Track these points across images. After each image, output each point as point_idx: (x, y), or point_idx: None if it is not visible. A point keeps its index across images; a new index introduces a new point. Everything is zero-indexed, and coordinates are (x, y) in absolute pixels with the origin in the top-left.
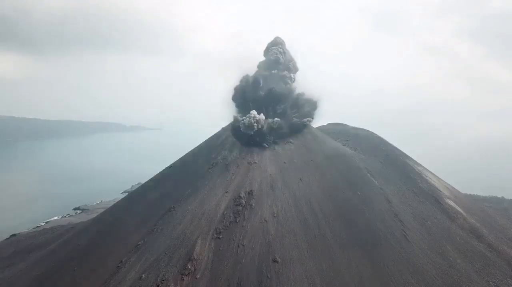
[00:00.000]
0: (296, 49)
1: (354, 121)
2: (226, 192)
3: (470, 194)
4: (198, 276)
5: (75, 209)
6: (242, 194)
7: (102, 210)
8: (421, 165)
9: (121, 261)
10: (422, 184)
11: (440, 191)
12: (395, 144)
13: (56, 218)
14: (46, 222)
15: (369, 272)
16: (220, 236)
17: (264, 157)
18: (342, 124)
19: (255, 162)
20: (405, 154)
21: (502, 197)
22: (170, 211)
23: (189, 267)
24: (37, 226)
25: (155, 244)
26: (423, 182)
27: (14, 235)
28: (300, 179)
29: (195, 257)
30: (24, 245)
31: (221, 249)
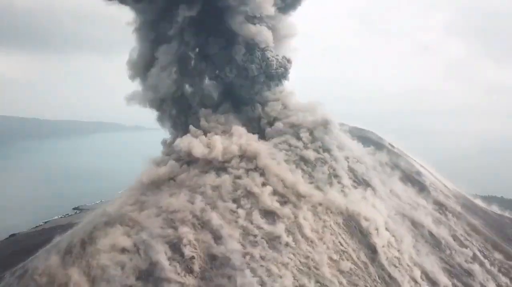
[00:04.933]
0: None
1: (353, 122)
2: None
3: (469, 194)
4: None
5: (74, 209)
6: None
7: None
8: (419, 163)
9: None
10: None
11: (440, 189)
12: (394, 144)
13: (55, 218)
14: (46, 222)
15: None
16: None
17: None
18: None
19: None
20: (405, 153)
21: (502, 197)
22: None
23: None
24: (37, 226)
25: None
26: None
27: (13, 235)
28: None
29: None
30: (23, 245)
31: None
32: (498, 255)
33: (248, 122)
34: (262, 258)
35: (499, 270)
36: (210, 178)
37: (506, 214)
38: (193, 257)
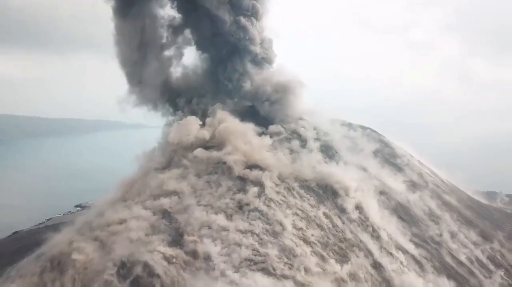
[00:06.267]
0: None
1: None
2: None
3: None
4: None
5: (76, 206)
6: None
7: None
8: (417, 159)
9: None
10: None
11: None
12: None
13: (58, 215)
14: (48, 220)
15: None
16: None
17: None
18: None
19: None
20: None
21: (501, 192)
22: None
23: None
24: (39, 224)
25: None
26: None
27: (16, 232)
28: None
29: None
30: (26, 243)
31: None
32: (472, 232)
33: (232, 103)
34: (224, 226)
35: (474, 244)
36: (189, 156)
37: (495, 205)
38: (173, 228)
